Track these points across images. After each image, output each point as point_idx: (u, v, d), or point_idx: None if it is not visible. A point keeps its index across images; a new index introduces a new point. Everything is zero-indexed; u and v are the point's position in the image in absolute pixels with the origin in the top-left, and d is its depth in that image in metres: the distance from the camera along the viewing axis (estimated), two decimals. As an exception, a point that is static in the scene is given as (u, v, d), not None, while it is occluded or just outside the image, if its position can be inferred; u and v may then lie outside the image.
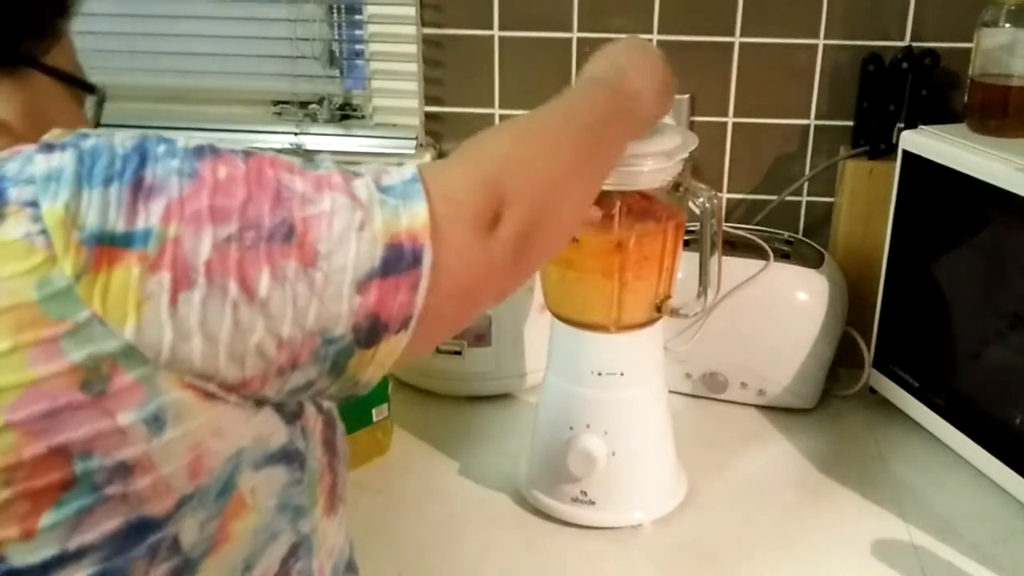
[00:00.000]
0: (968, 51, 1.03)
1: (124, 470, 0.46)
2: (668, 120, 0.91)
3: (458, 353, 1.14)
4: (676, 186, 0.89)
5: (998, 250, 0.95)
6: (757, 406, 1.14)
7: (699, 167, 1.23)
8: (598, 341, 0.93)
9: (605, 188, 0.84)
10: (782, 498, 1.00)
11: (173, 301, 0.45)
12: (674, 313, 0.93)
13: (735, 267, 1.08)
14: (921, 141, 1.02)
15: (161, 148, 0.48)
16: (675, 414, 0.98)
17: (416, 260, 0.51)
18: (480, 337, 1.14)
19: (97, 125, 0.63)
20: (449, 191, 0.54)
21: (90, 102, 0.62)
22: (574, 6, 1.21)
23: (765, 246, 1.13)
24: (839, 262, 1.17)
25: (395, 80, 1.31)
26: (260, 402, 0.51)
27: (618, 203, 0.88)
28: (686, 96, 1.22)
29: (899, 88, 1.14)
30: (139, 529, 0.47)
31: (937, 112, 1.12)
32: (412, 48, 1.27)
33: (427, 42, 1.27)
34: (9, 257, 0.44)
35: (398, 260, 0.51)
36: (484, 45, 1.25)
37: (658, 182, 0.88)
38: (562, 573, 0.90)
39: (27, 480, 0.44)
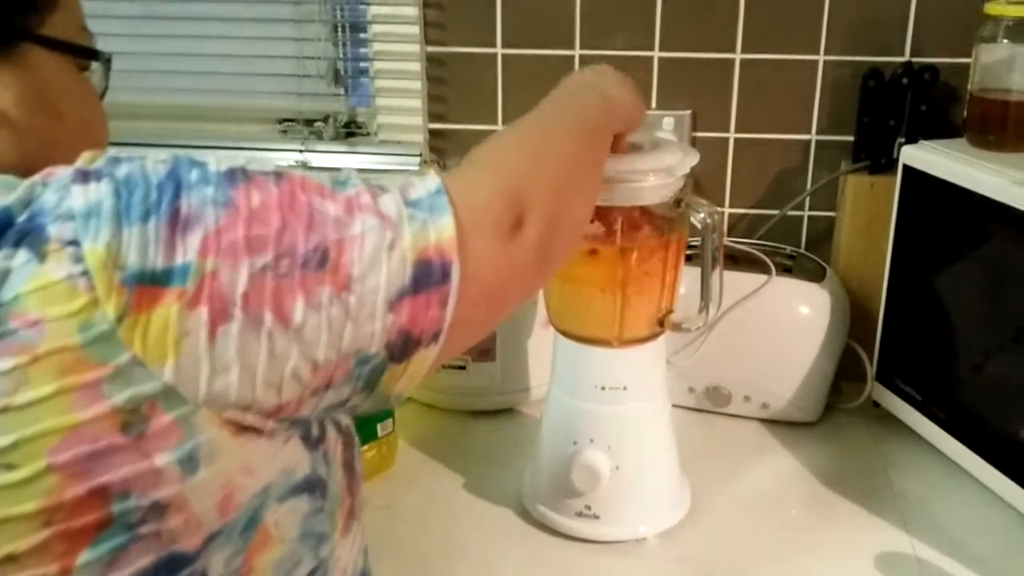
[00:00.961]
0: (967, 66, 1.04)
1: (158, 509, 0.46)
2: (670, 136, 0.92)
3: (462, 368, 1.14)
4: (678, 202, 0.89)
5: (999, 263, 0.96)
6: (760, 420, 1.15)
7: (701, 182, 1.23)
8: (601, 356, 0.93)
9: (607, 204, 0.85)
10: (786, 511, 1.00)
11: (211, 336, 0.46)
12: (676, 328, 0.94)
13: (738, 281, 1.09)
14: (921, 156, 1.02)
15: (194, 174, 0.48)
16: (678, 428, 0.98)
17: (445, 275, 0.52)
18: (484, 352, 1.14)
19: (104, 92, 0.62)
20: (473, 200, 0.55)
21: (96, 69, 0.61)
22: (576, 24, 1.22)
23: (767, 260, 1.13)
24: (841, 276, 1.17)
25: (399, 98, 1.32)
26: (294, 423, 0.51)
27: (620, 219, 0.88)
28: (688, 112, 1.23)
29: (899, 103, 1.15)
30: (169, 565, 0.48)
31: (937, 127, 1.12)
32: (416, 66, 1.28)
33: (431, 60, 1.28)
34: (53, 299, 0.44)
35: (428, 276, 0.51)
36: (487, 63, 1.26)
37: (660, 198, 0.88)
38: (566, 587, 0.91)
39: (66, 520, 0.45)
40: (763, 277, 1.10)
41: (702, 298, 0.93)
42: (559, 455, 0.94)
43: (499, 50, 1.25)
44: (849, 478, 1.04)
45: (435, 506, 1.01)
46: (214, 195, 0.47)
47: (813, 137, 1.22)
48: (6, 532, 0.45)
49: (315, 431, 0.54)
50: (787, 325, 1.11)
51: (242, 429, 0.48)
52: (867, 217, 1.16)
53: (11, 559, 0.45)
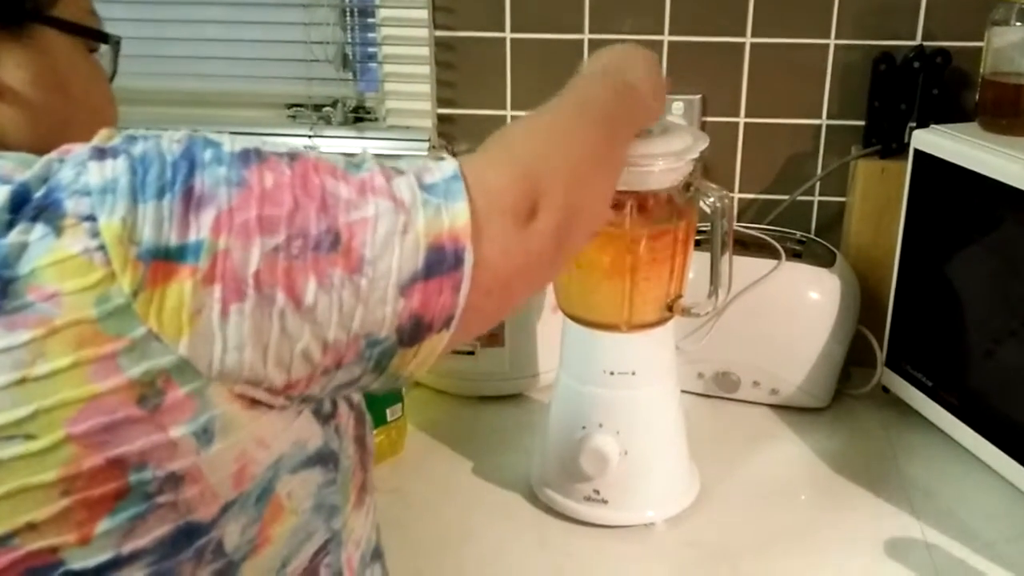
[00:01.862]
0: (979, 50, 1.03)
1: (175, 480, 0.47)
2: (679, 120, 0.92)
3: (471, 353, 1.14)
4: (687, 186, 0.89)
5: (1011, 248, 0.95)
6: (769, 405, 1.14)
7: (711, 167, 1.23)
8: (610, 341, 0.93)
9: (616, 188, 0.85)
10: (795, 497, 1.00)
11: (224, 313, 0.46)
12: (685, 312, 0.94)
13: (747, 267, 1.08)
14: (933, 140, 1.02)
15: (208, 154, 0.48)
16: (687, 413, 0.98)
17: (458, 261, 0.52)
18: (493, 337, 1.14)
19: (113, 75, 0.62)
20: (488, 186, 0.55)
21: (106, 51, 0.61)
22: (585, 8, 1.22)
23: (777, 246, 1.13)
24: (851, 261, 1.17)
25: (408, 82, 1.31)
26: (304, 400, 0.52)
27: (629, 203, 0.88)
28: (697, 96, 1.22)
29: (911, 87, 1.14)
30: (187, 534, 0.48)
31: (949, 111, 1.12)
32: (424, 51, 1.28)
33: (439, 45, 1.27)
34: (69, 273, 0.45)
35: (440, 262, 0.51)
36: (496, 47, 1.25)
37: (669, 182, 0.88)
38: (575, 571, 0.91)
39: (85, 490, 0.46)
40: (773, 262, 1.10)
41: (711, 283, 0.92)
42: (568, 440, 0.94)
43: (508, 34, 1.25)
44: (858, 464, 1.04)
45: (444, 491, 1.01)
46: (227, 175, 0.48)
47: (824, 121, 1.22)
48: (27, 501, 0.45)
49: (327, 406, 0.55)
50: (797, 310, 1.10)
51: (255, 403, 0.49)
52: (878, 202, 1.16)
53: (31, 527, 0.46)
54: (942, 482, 1.01)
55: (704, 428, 1.07)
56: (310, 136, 1.34)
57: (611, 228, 0.88)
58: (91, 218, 0.45)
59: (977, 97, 1.04)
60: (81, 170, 0.46)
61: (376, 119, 1.37)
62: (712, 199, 0.89)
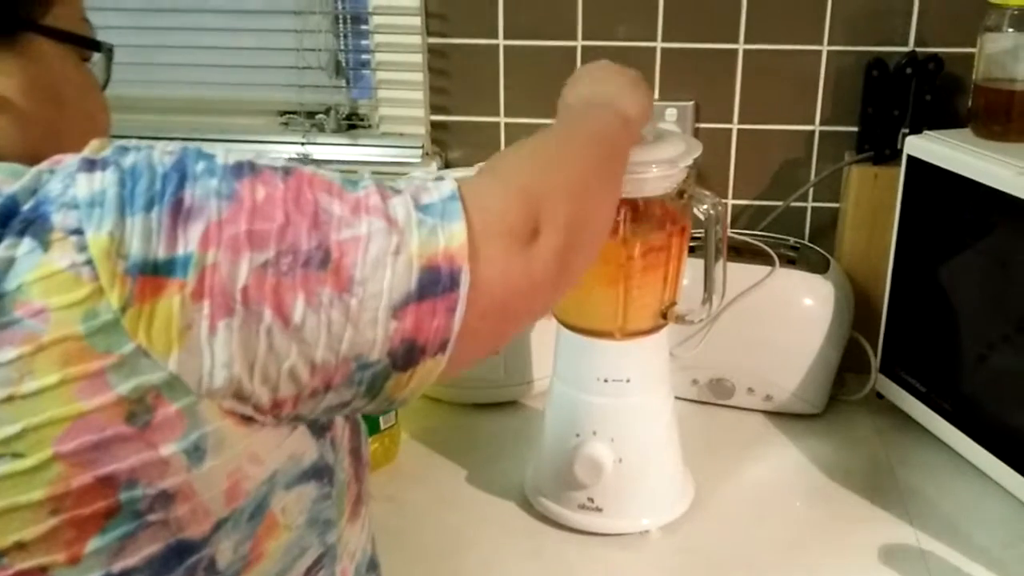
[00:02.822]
0: (972, 56, 1.03)
1: (165, 498, 0.46)
2: (672, 127, 0.92)
3: (465, 361, 1.14)
4: (681, 193, 0.89)
5: (1004, 254, 0.95)
6: (764, 412, 1.14)
7: (704, 174, 1.23)
8: (604, 348, 0.93)
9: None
10: (789, 504, 1.00)
11: (212, 329, 0.46)
12: (679, 320, 0.94)
13: (741, 273, 1.08)
14: (926, 146, 1.02)
15: (200, 166, 0.48)
16: (682, 420, 0.98)
17: (453, 283, 0.51)
18: (487, 345, 1.14)
19: (106, 83, 0.62)
20: (487, 207, 0.54)
21: (98, 60, 0.61)
22: (579, 15, 1.22)
23: (771, 252, 1.13)
24: (845, 267, 1.17)
25: (401, 90, 1.31)
26: (295, 420, 0.51)
27: (623, 210, 0.88)
28: (691, 103, 1.22)
29: (903, 93, 1.14)
30: (178, 552, 0.48)
31: (941, 117, 1.12)
32: (418, 58, 1.28)
33: (432, 52, 1.27)
34: (56, 288, 0.44)
35: (435, 283, 0.50)
36: (489, 54, 1.25)
37: (662, 189, 0.88)
38: (570, 580, 0.90)
39: (74, 509, 0.45)
40: (766, 269, 1.10)
41: (705, 290, 0.92)
42: (562, 448, 0.94)
43: (501, 41, 1.25)
44: (853, 470, 1.04)
45: (438, 499, 1.01)
46: (218, 187, 0.47)
47: (817, 128, 1.22)
48: (14, 520, 0.45)
49: (322, 419, 0.54)
50: (791, 317, 1.10)
51: (246, 419, 0.48)
52: (871, 208, 1.16)
53: (19, 547, 0.45)
54: (937, 488, 1.01)
55: (698, 435, 1.07)
56: (303, 143, 1.34)
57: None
58: (79, 232, 0.45)
59: (970, 103, 1.04)
60: (69, 182, 0.46)
61: (369, 126, 1.37)
62: (706, 206, 0.89)
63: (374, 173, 0.55)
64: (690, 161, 0.87)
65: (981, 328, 0.99)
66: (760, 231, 1.23)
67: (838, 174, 1.21)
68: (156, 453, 0.46)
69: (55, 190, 0.46)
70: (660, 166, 0.85)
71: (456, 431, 1.13)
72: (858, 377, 1.16)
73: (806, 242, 1.22)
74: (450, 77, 1.28)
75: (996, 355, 0.98)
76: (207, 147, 0.50)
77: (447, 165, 1.32)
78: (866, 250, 1.17)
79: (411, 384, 0.52)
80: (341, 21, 1.35)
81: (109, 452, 0.45)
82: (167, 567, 0.48)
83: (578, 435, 0.93)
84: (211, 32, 1.34)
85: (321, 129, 1.36)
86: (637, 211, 0.89)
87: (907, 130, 1.13)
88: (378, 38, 1.31)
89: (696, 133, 1.23)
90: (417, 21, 1.26)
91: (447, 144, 1.31)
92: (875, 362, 1.13)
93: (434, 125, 1.30)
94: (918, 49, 1.15)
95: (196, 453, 0.46)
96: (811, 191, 1.24)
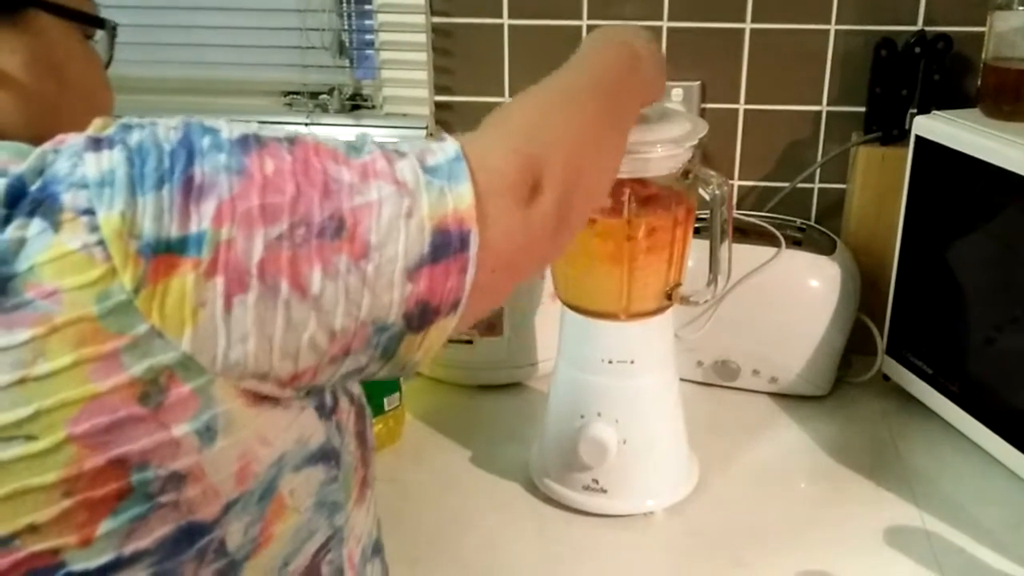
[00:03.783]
0: (981, 35, 1.03)
1: (177, 479, 0.46)
2: (678, 107, 0.91)
3: (470, 342, 1.14)
4: (686, 173, 0.89)
5: (1012, 235, 0.94)
6: (769, 393, 1.14)
7: (711, 154, 1.22)
8: (608, 329, 0.92)
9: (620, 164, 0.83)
10: (795, 485, 1.00)
11: (228, 306, 0.45)
12: (684, 301, 0.93)
13: (747, 254, 1.08)
14: (934, 126, 1.01)
15: (206, 140, 0.47)
16: (687, 402, 0.98)
17: (464, 244, 0.51)
18: (492, 326, 1.14)
19: (109, 61, 0.62)
20: (490, 165, 0.54)
21: (102, 37, 0.61)
22: (584, -7, 1.21)
23: (777, 233, 1.12)
24: (852, 249, 1.16)
25: (405, 70, 1.30)
26: (311, 391, 0.51)
27: (628, 191, 0.87)
28: (697, 83, 1.21)
29: (912, 73, 1.13)
30: (189, 534, 0.48)
31: (950, 97, 1.11)
32: (422, 37, 1.27)
33: (437, 31, 1.26)
34: (69, 269, 0.44)
35: (446, 245, 0.50)
36: (494, 34, 1.24)
37: (668, 169, 0.87)
38: (574, 561, 0.90)
39: (86, 491, 0.45)
40: (773, 250, 1.09)
41: (710, 271, 0.92)
42: (566, 429, 0.94)
43: (505, 21, 1.24)
44: (859, 452, 1.04)
45: (442, 480, 1.01)
46: (227, 162, 0.47)
47: (824, 108, 1.21)
48: (28, 502, 0.45)
49: (328, 401, 0.54)
50: (797, 298, 1.10)
51: (259, 399, 0.48)
52: (878, 189, 1.15)
53: (32, 529, 0.45)
54: (942, 470, 1.01)
55: (703, 417, 1.06)
56: (307, 124, 1.33)
57: (609, 216, 0.88)
58: (89, 212, 0.44)
59: (979, 83, 1.03)
60: (77, 161, 0.45)
61: (373, 106, 1.36)
62: (711, 186, 0.88)
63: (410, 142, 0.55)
64: (695, 141, 0.86)
65: (988, 310, 0.98)
66: (766, 212, 1.22)
67: (845, 155, 1.20)
68: (168, 433, 0.45)
69: (63, 170, 0.45)
70: (665, 146, 0.85)
71: (460, 413, 1.13)
72: (864, 359, 1.15)
73: (813, 223, 1.21)
74: (454, 57, 1.27)
75: (1003, 337, 0.97)
76: (210, 120, 0.49)
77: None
78: (873, 231, 1.16)
79: (424, 344, 0.52)
80: (345, 0, 1.34)
81: (123, 433, 0.45)
82: (177, 549, 0.48)
83: (583, 416, 0.93)
84: (214, 11, 1.33)
85: (325, 109, 1.35)
86: (642, 191, 0.89)
87: (915, 110, 1.12)
88: (382, 18, 1.30)
89: (702, 113, 1.22)
90: (421, 0, 1.25)
91: (451, 125, 1.30)
92: (881, 344, 1.12)
93: (438, 105, 1.30)
94: (927, 28, 1.14)
95: (208, 434, 0.46)
96: (818, 172, 1.23)
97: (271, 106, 1.39)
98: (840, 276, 1.10)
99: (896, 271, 1.09)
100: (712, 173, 0.89)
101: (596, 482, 0.94)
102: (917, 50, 1.12)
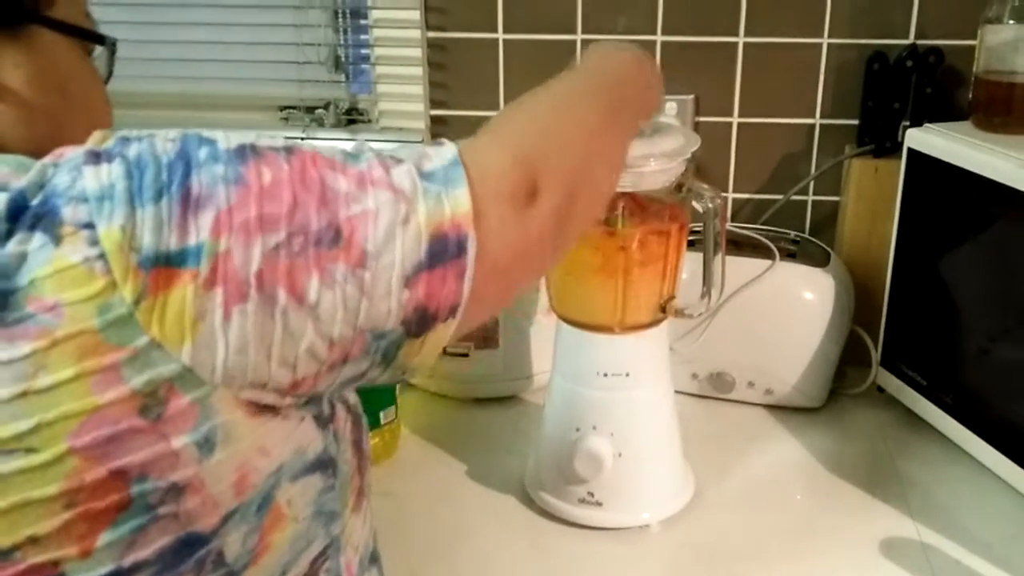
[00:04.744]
0: (972, 48, 1.03)
1: (176, 490, 0.47)
2: (672, 121, 0.92)
3: (465, 355, 1.14)
4: (679, 187, 0.89)
5: (1005, 247, 0.95)
6: (764, 405, 1.14)
7: (705, 167, 1.23)
8: (603, 342, 0.93)
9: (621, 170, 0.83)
10: (790, 497, 1.00)
11: (227, 316, 0.46)
12: (678, 314, 0.93)
13: (742, 267, 1.08)
14: (926, 139, 1.01)
15: (203, 152, 0.48)
16: (682, 414, 0.98)
17: (461, 249, 0.51)
18: (487, 339, 1.14)
19: (109, 76, 0.62)
20: (487, 170, 0.54)
21: (101, 53, 0.61)
22: (578, 8, 1.21)
23: (771, 246, 1.12)
24: (845, 261, 1.17)
25: (401, 84, 1.31)
26: (310, 400, 0.51)
27: (621, 204, 0.88)
28: (691, 97, 1.22)
29: (904, 86, 1.14)
30: (188, 545, 0.48)
31: (942, 110, 1.11)
32: (417, 52, 1.28)
33: (432, 46, 1.27)
34: (70, 283, 0.44)
35: (443, 251, 0.50)
36: (489, 48, 1.25)
37: (661, 183, 0.88)
38: (569, 574, 0.90)
39: (87, 502, 0.45)
40: (767, 262, 1.10)
41: (704, 284, 0.92)
42: (562, 442, 0.94)
43: (500, 35, 1.24)
44: (854, 464, 1.04)
45: (438, 493, 1.01)
46: (224, 173, 0.47)
47: (817, 121, 1.21)
48: (29, 515, 0.45)
49: (326, 410, 0.54)
50: (791, 310, 1.10)
51: (259, 410, 0.48)
52: (871, 201, 1.16)
53: (33, 541, 0.45)
54: (938, 482, 1.01)
55: (698, 429, 1.07)
56: (303, 138, 1.33)
57: (604, 229, 0.88)
58: (90, 225, 0.45)
59: (970, 95, 1.04)
60: (77, 175, 0.46)
61: (369, 121, 1.37)
62: (705, 199, 0.89)
63: (407, 147, 0.55)
64: (688, 154, 0.87)
65: (982, 321, 0.99)
66: (760, 224, 1.22)
67: (838, 167, 1.21)
68: (168, 445, 0.46)
69: (63, 183, 0.46)
70: (658, 160, 0.85)
71: (456, 426, 1.13)
72: (859, 371, 1.16)
73: (806, 235, 1.22)
74: (449, 71, 1.28)
75: (997, 348, 0.97)
76: (207, 132, 0.50)
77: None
78: (867, 243, 1.17)
79: (424, 350, 0.53)
80: (340, 15, 1.35)
81: (123, 445, 0.45)
82: (177, 560, 0.48)
83: (578, 429, 0.93)
84: (212, 27, 1.34)
85: (321, 124, 1.36)
86: (636, 204, 0.89)
87: (907, 123, 1.12)
88: (377, 32, 1.31)
89: (696, 127, 1.23)
90: (416, 15, 1.26)
91: (447, 139, 1.30)
92: (876, 355, 1.13)
93: (434, 120, 1.30)
94: (918, 42, 1.15)
95: (206, 445, 0.47)
96: (811, 184, 1.24)
97: (268, 121, 1.39)
98: (834, 288, 1.10)
99: (890, 283, 1.09)
100: (705, 186, 0.89)
101: (591, 495, 0.94)
102: (909, 63, 1.13)
